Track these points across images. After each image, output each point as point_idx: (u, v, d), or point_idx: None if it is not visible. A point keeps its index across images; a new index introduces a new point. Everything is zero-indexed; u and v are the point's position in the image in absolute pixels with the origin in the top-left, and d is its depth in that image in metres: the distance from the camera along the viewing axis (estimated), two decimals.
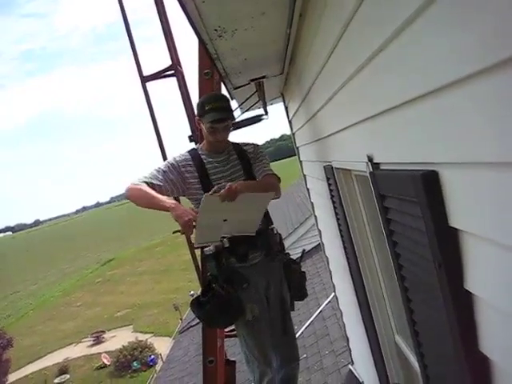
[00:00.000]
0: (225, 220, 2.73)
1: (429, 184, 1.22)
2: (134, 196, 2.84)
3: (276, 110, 6.17)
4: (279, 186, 3.16)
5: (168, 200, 2.74)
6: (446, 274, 1.26)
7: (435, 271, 1.30)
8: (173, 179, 2.99)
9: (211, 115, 2.98)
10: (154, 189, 2.83)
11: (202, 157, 3.15)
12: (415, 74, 1.25)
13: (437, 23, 1.05)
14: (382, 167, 1.73)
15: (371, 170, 1.81)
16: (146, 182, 2.86)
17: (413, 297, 1.70)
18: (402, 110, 1.42)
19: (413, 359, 2.47)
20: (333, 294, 6.68)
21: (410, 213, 1.41)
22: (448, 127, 1.13)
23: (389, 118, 1.55)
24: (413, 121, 1.35)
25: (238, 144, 3.29)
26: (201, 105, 3.07)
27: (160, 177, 2.95)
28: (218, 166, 3.14)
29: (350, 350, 5.62)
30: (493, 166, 0.97)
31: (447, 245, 1.24)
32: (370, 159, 1.81)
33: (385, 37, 1.33)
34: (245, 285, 3.09)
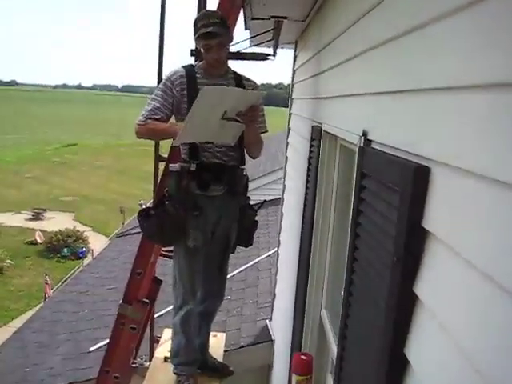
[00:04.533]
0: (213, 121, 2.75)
1: (418, 178, 1.17)
2: (143, 134, 3.05)
3: (283, 55, 6.02)
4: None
5: (170, 128, 2.97)
6: (400, 271, 1.23)
7: (390, 264, 1.28)
8: (169, 102, 3.04)
9: (203, 30, 2.93)
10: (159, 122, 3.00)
11: (197, 76, 3.06)
12: (433, 67, 1.20)
13: (475, 23, 0.99)
14: (373, 145, 1.68)
15: (362, 144, 1.76)
16: (149, 119, 2.99)
17: (357, 281, 1.68)
18: (411, 97, 1.37)
19: (332, 338, 2.50)
20: (275, 249, 6.74)
21: (387, 200, 1.37)
22: (452, 128, 1.09)
23: (397, 100, 1.49)
24: (419, 111, 1.31)
25: (239, 75, 3.20)
26: (194, 24, 3.01)
27: (158, 105, 3.02)
28: None
29: (272, 306, 5.72)
30: (486, 180, 0.92)
31: (412, 243, 1.21)
32: (365, 134, 1.76)
33: (427, 18, 1.25)
34: (196, 212, 3.06)
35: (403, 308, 1.23)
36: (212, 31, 2.92)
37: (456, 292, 1.03)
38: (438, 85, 1.18)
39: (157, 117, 3.00)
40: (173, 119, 3.11)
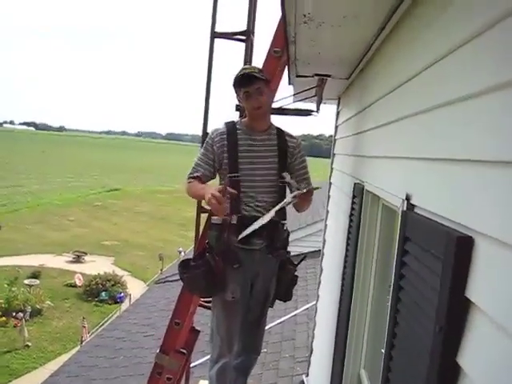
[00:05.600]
0: None
1: (461, 248, 1.18)
2: (188, 194, 3.26)
3: (324, 109, 6.09)
4: None
5: (205, 192, 2.93)
6: (442, 340, 1.22)
7: (432, 333, 1.27)
8: (211, 158, 3.16)
9: (241, 74, 3.07)
10: (200, 179, 3.16)
11: (238, 132, 3.15)
12: (479, 139, 1.22)
13: None
14: (416, 210, 1.69)
15: (405, 208, 1.77)
16: (194, 177, 3.16)
17: (398, 345, 1.67)
18: (456, 166, 1.38)
19: None
20: (313, 302, 6.68)
21: (430, 267, 1.37)
22: (496, 200, 1.10)
23: (442, 167, 1.51)
24: (463, 180, 1.32)
25: (282, 131, 3.26)
26: (234, 78, 3.12)
27: (200, 163, 3.19)
28: (251, 145, 3.12)
29: (309, 362, 5.62)
30: None
31: (455, 313, 1.20)
32: (408, 198, 1.77)
33: (474, 90, 1.28)
34: (236, 265, 3.09)
35: (445, 379, 1.21)
36: (249, 73, 3.05)
37: (500, 366, 1.02)
38: (484, 157, 1.20)
39: (198, 174, 3.15)
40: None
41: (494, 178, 1.13)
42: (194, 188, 3.16)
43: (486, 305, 1.11)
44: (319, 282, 5.61)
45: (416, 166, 1.81)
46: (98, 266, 26.27)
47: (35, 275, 24.10)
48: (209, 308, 3.63)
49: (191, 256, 3.56)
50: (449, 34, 1.53)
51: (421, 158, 1.76)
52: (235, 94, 3.19)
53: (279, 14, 2.72)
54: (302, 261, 3.52)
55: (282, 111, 4.55)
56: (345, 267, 3.36)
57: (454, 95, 1.43)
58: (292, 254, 3.40)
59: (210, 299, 3.46)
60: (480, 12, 1.26)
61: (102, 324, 16.33)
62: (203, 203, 4.13)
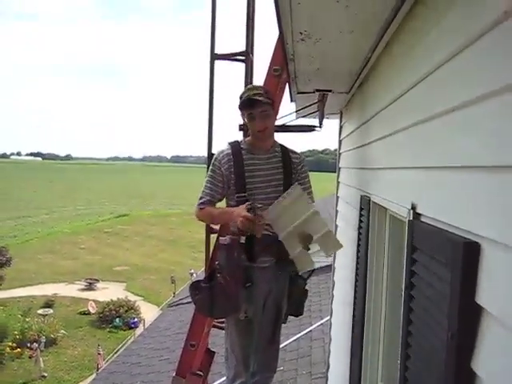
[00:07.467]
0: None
1: (468, 254, 1.19)
2: (203, 219, 3.31)
3: (328, 123, 6.13)
4: None
5: (233, 216, 2.99)
6: (455, 347, 1.23)
7: (445, 340, 1.27)
8: (219, 180, 3.16)
9: (246, 98, 3.07)
10: (213, 205, 3.18)
11: (243, 152, 3.16)
12: (482, 146, 1.23)
13: None
14: (422, 219, 1.70)
15: (411, 218, 1.78)
16: (203, 203, 3.16)
17: (412, 356, 1.66)
18: (459, 173, 1.39)
19: None
20: (327, 317, 6.64)
21: (439, 274, 1.38)
22: (499, 206, 1.11)
23: (447, 175, 1.51)
24: (470, 187, 1.32)
25: (285, 147, 3.28)
26: (240, 97, 3.14)
27: (210, 185, 3.18)
28: (256, 164, 3.13)
29: (327, 377, 5.58)
30: None
31: (466, 319, 1.21)
32: (413, 207, 1.78)
33: (471, 96, 1.30)
34: (248, 284, 3.08)
35: None
36: (254, 98, 3.04)
37: None
38: (486, 163, 1.21)
39: (208, 197, 3.15)
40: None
41: (497, 183, 1.14)
42: (212, 214, 3.22)
43: (497, 309, 1.11)
44: (332, 296, 5.59)
45: (420, 175, 1.82)
46: (110, 292, 26.31)
47: (48, 305, 24.18)
48: (222, 328, 3.62)
49: (203, 277, 3.55)
50: (447, 41, 1.53)
51: (424, 167, 1.77)
52: (240, 114, 3.21)
53: (277, 32, 2.76)
54: (310, 275, 3.51)
55: (285, 128, 4.58)
56: (356, 280, 3.35)
57: (453, 103, 1.45)
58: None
59: (224, 320, 3.45)
60: (477, 17, 1.27)
61: (118, 350, 16.29)
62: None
